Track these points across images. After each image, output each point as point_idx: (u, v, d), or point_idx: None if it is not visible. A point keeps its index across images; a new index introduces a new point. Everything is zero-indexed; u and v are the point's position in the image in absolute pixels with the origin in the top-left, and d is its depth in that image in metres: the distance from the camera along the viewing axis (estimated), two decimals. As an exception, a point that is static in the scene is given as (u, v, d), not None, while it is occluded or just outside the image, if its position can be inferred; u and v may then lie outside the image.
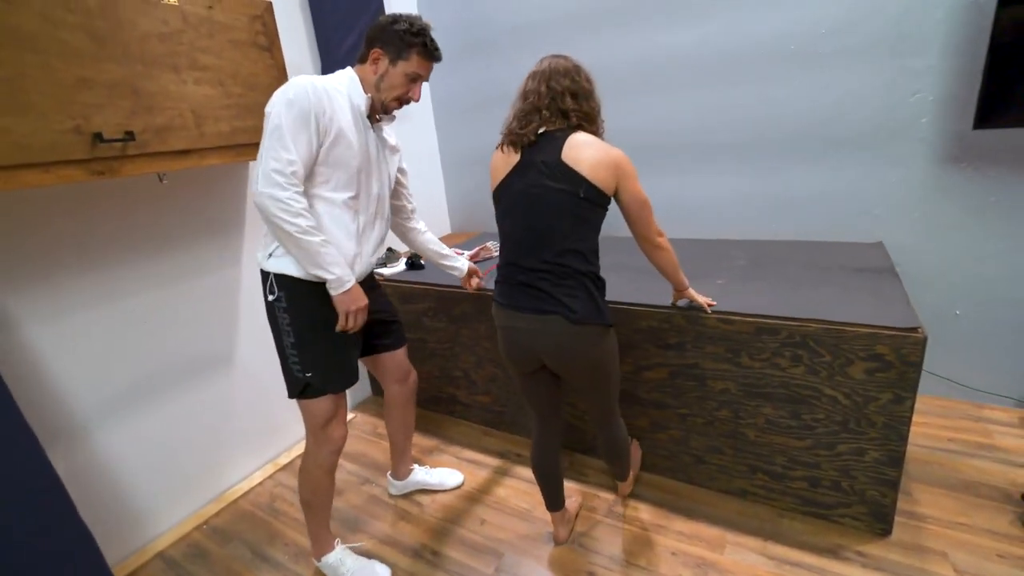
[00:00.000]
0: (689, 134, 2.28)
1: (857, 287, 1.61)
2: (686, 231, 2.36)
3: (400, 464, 1.93)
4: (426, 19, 1.39)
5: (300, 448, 2.27)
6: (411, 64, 1.37)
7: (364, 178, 1.41)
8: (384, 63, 1.37)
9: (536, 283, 1.28)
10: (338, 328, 1.38)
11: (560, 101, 1.28)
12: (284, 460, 2.20)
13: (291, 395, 1.44)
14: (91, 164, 1.31)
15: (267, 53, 1.72)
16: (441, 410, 2.43)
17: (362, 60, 1.40)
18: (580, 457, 2.01)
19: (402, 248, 2.54)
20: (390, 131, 1.55)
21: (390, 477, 1.96)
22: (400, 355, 1.75)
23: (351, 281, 1.35)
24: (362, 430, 2.40)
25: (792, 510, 1.64)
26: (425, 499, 1.91)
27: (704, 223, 2.35)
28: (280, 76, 1.76)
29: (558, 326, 1.27)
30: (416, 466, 1.97)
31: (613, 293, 1.67)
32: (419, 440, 2.26)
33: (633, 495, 1.80)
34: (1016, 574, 1.36)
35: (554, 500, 1.60)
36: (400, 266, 2.37)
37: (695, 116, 2.24)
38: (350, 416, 2.52)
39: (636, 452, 1.84)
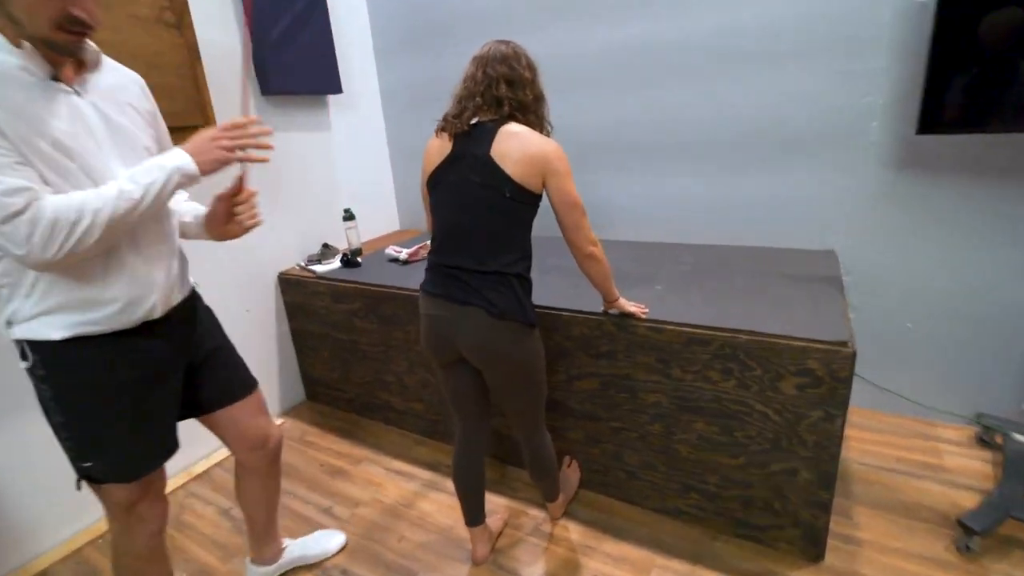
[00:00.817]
0: (641, 133, 2.18)
1: (795, 297, 1.52)
2: (635, 234, 2.27)
3: (264, 546, 1.47)
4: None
5: (219, 456, 2.13)
6: None
7: (91, 173, 0.94)
8: None
9: (463, 277, 1.24)
10: (236, 160, 1.00)
11: (495, 88, 1.22)
12: (199, 469, 2.06)
13: (77, 485, 1.06)
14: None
15: (175, 31, 1.60)
16: (376, 417, 2.30)
17: None
18: (512, 470, 1.90)
19: (341, 244, 2.40)
20: (116, 75, 1.04)
21: (250, 564, 1.48)
22: (249, 408, 1.25)
23: (178, 151, 0.97)
24: (289, 436, 2.26)
25: (726, 532, 1.55)
26: (346, 512, 1.79)
27: (655, 225, 2.26)
28: (191, 56, 1.64)
29: (478, 318, 1.22)
30: (287, 540, 1.56)
31: (546, 297, 1.58)
32: (348, 449, 2.14)
33: (564, 513, 1.69)
34: (946, 607, 1.28)
35: (474, 514, 1.50)
36: (335, 263, 2.24)
37: (646, 115, 2.15)
38: (277, 423, 2.39)
39: (573, 475, 1.73)
